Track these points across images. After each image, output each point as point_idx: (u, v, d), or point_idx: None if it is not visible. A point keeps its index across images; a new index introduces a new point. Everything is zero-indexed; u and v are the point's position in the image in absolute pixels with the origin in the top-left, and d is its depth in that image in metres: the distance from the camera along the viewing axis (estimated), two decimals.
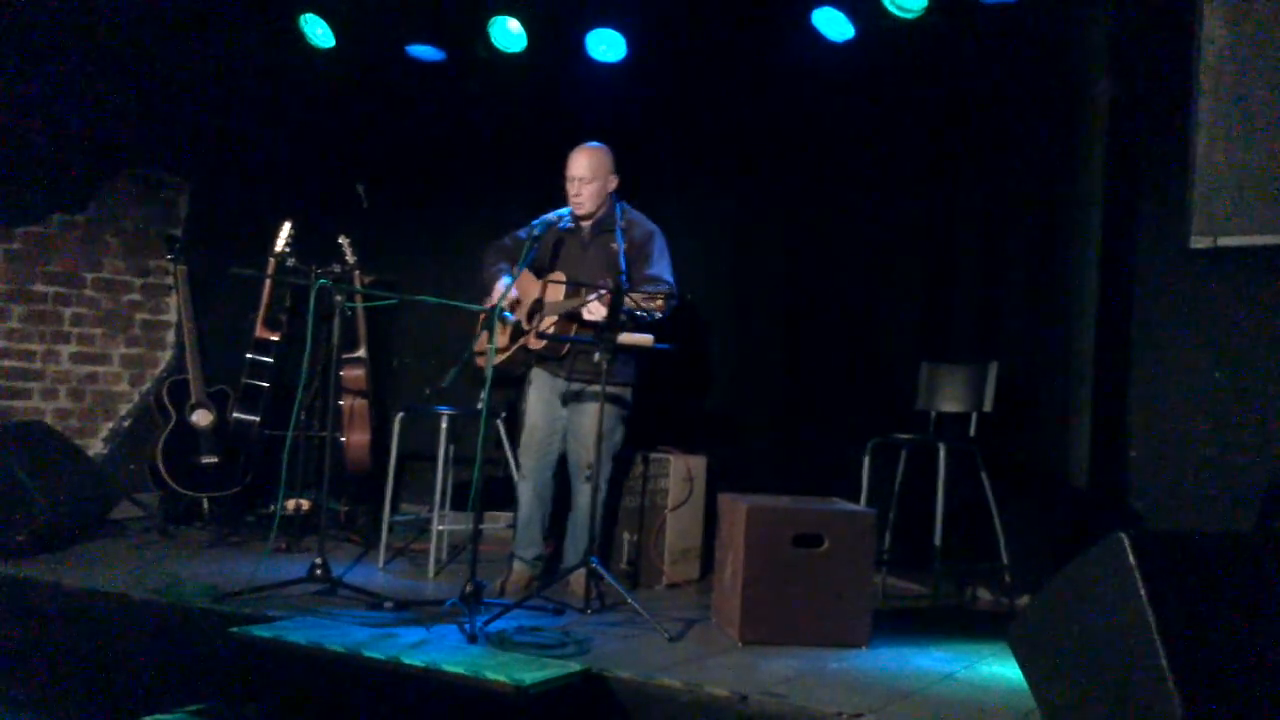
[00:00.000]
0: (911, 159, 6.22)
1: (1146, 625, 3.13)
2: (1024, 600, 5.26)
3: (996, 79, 5.89)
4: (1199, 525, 5.18)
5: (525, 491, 5.59)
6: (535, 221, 5.68)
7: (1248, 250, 3.40)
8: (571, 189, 5.46)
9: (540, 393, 5.58)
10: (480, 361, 5.62)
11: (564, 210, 5.54)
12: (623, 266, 5.27)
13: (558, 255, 5.58)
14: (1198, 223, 3.45)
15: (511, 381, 5.80)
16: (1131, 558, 3.20)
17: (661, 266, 5.42)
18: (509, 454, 5.93)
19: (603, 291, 5.03)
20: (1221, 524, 5.15)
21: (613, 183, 5.50)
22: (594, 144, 5.51)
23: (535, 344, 5.45)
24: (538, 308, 5.50)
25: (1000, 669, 4.31)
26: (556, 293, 5.41)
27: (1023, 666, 3.65)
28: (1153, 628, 3.12)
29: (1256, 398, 5.17)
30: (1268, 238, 3.33)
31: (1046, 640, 3.55)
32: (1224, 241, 3.40)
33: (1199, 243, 3.45)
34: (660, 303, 4.85)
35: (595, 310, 5.13)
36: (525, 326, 5.54)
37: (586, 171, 5.43)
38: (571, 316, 5.35)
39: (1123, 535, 3.25)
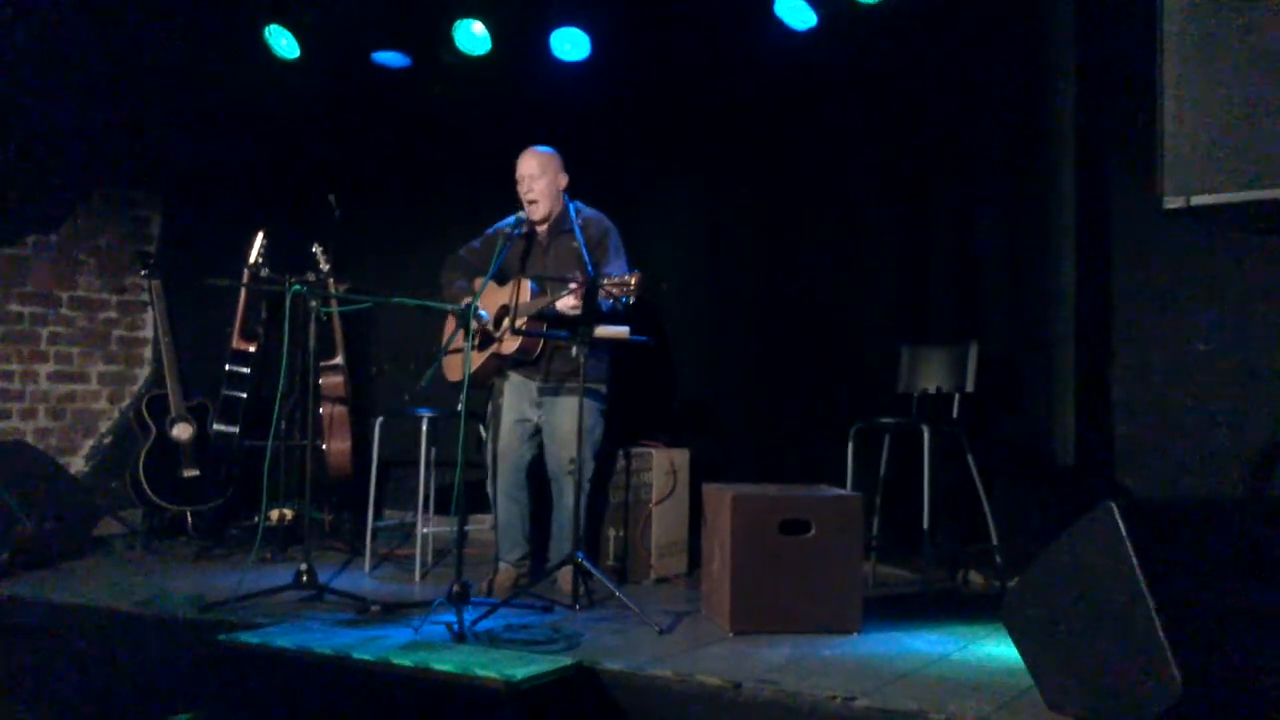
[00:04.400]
0: (881, 142, 6.21)
1: (1140, 594, 3.12)
2: (1016, 581, 5.25)
3: (964, 56, 5.90)
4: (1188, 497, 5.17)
5: (499, 497, 5.58)
6: (489, 230, 5.68)
7: (1221, 208, 3.37)
8: (523, 188, 5.47)
9: (510, 399, 5.55)
10: (451, 373, 5.59)
11: (515, 216, 5.53)
12: (588, 261, 5.25)
13: (520, 262, 5.55)
14: (1169, 183, 3.42)
15: (489, 387, 5.77)
16: (1122, 526, 3.19)
17: (618, 264, 5.41)
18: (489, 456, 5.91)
19: (573, 285, 5.01)
20: (1210, 496, 5.13)
21: (562, 180, 5.50)
22: (540, 146, 5.54)
23: (509, 348, 5.41)
24: (505, 313, 5.46)
25: (995, 649, 4.29)
26: (525, 295, 5.38)
27: (1017, 643, 3.64)
28: (1146, 596, 3.11)
29: (1242, 365, 5.16)
30: (1240, 194, 3.31)
31: (1040, 614, 3.53)
32: (1197, 200, 3.37)
33: (1172, 203, 3.41)
34: (634, 286, 4.82)
35: (569, 303, 5.11)
36: (495, 334, 5.50)
37: (536, 168, 5.45)
38: (542, 317, 5.33)
39: (1112, 504, 3.24)
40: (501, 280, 5.52)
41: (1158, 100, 3.49)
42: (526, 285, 5.36)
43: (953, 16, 5.84)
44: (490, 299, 5.54)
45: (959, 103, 5.96)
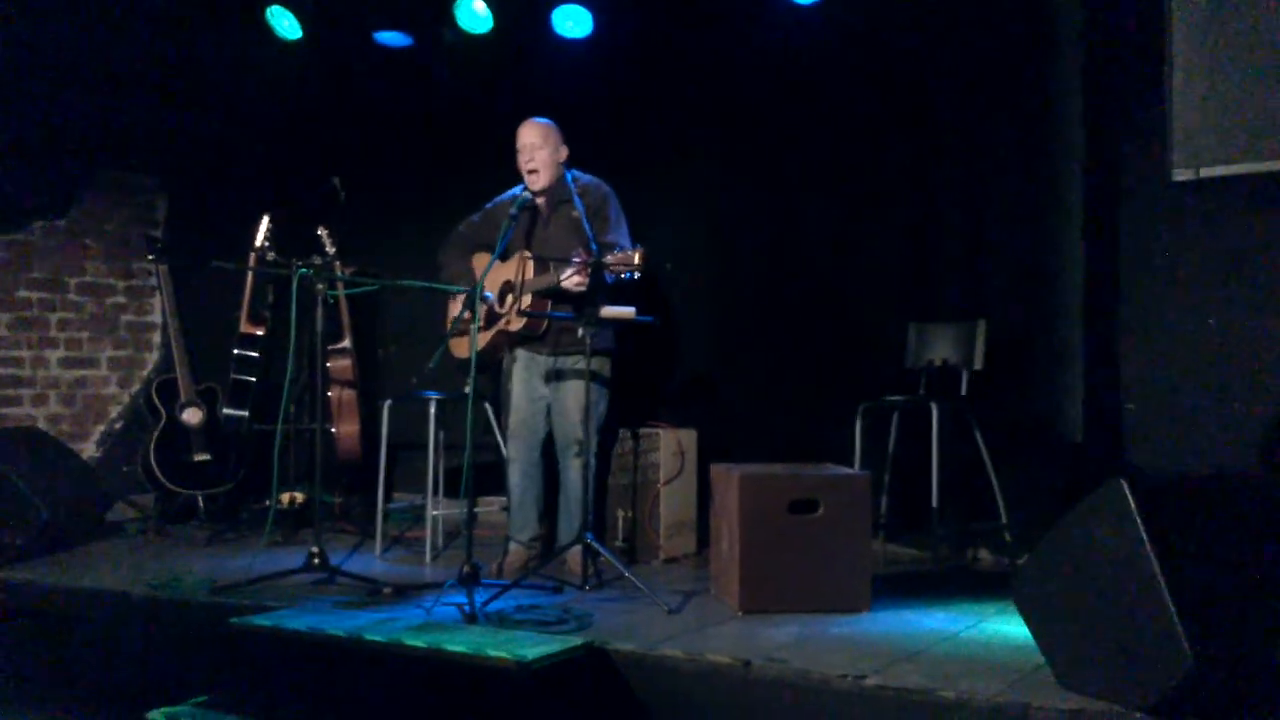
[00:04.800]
0: (886, 116, 6.18)
1: (1150, 569, 3.12)
2: (1025, 559, 5.24)
3: (970, 29, 5.86)
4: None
5: (514, 474, 5.60)
6: (489, 204, 5.68)
7: (1231, 180, 3.36)
8: (524, 157, 5.47)
9: (521, 374, 5.56)
10: (457, 350, 5.60)
11: (516, 190, 5.55)
12: (589, 233, 5.25)
13: (524, 237, 5.56)
14: (1179, 155, 3.42)
15: (495, 365, 5.78)
16: (1131, 501, 3.19)
17: (619, 231, 5.42)
18: (498, 437, 5.92)
19: (576, 262, 5.01)
20: (1221, 471, 5.12)
21: (563, 153, 5.51)
22: (540, 118, 5.54)
23: (515, 325, 5.42)
24: (509, 289, 5.47)
25: (1005, 627, 4.29)
26: (528, 271, 5.38)
27: (1028, 620, 3.64)
28: (1156, 571, 3.11)
29: (1251, 339, 5.13)
30: (1250, 165, 3.29)
31: (1050, 591, 3.53)
32: (1206, 172, 3.36)
33: (1181, 175, 3.41)
34: (637, 261, 4.82)
35: (575, 280, 5.11)
36: (500, 311, 5.51)
37: (538, 138, 5.45)
38: (547, 293, 5.33)
39: (1121, 480, 3.24)
40: (505, 255, 5.53)
41: (1166, 72, 3.48)
42: (530, 262, 5.37)
43: None
44: (495, 275, 5.54)
45: (965, 76, 5.92)
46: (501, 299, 5.52)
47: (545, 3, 6.56)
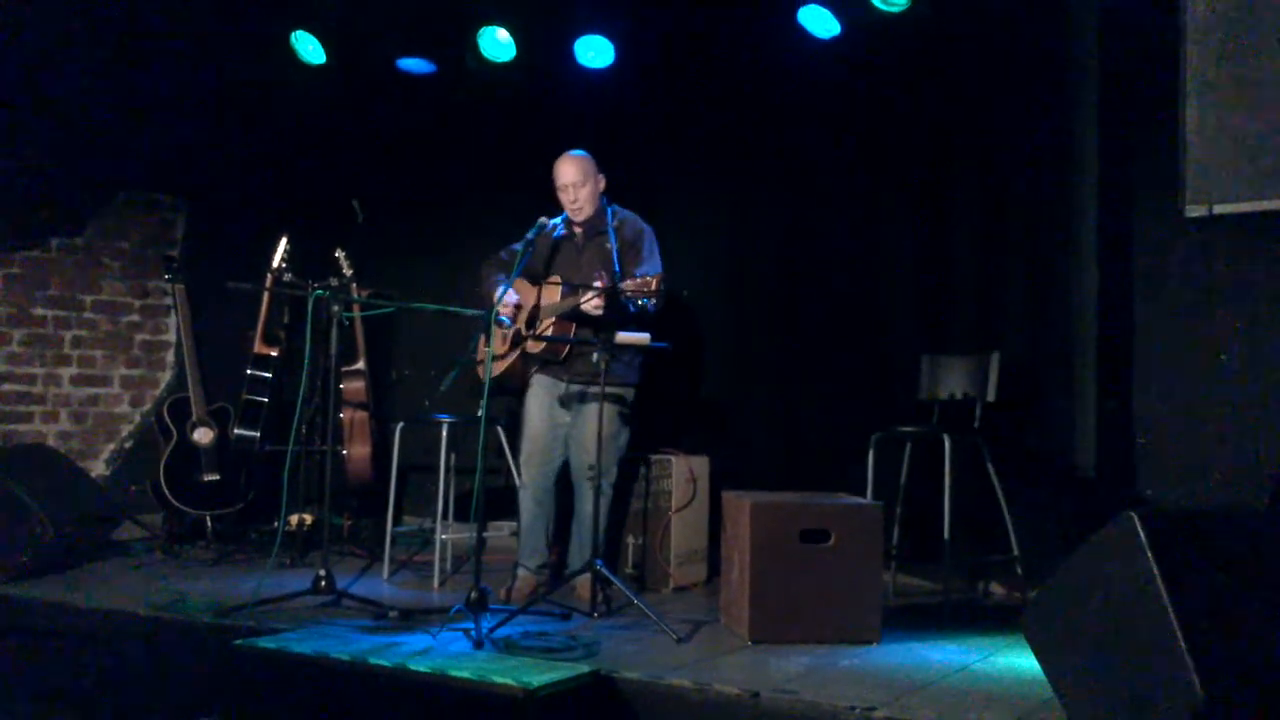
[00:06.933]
0: (903, 149, 6.20)
1: (1161, 604, 3.10)
2: (1036, 592, 5.21)
3: (986, 64, 5.88)
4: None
5: (525, 500, 5.57)
6: (530, 234, 5.69)
7: (1244, 217, 3.35)
8: (568, 197, 5.47)
9: (540, 399, 5.55)
10: (482, 373, 5.60)
11: (558, 219, 5.55)
12: (616, 263, 5.25)
13: (553, 261, 5.57)
14: (1192, 191, 3.42)
15: (512, 390, 5.76)
16: (1143, 536, 3.17)
17: (652, 264, 5.42)
18: (510, 462, 5.91)
19: (594, 286, 5.01)
20: (1233, 506, 5.09)
21: (601, 182, 5.53)
22: (575, 151, 5.54)
23: (534, 347, 5.43)
24: (535, 313, 5.48)
25: (1016, 660, 4.27)
26: (552, 296, 5.39)
27: (1037, 654, 3.62)
28: (1168, 606, 3.08)
29: (1265, 375, 5.11)
30: (1262, 203, 3.28)
31: (1060, 626, 3.51)
32: (1219, 209, 3.36)
33: (1194, 211, 3.41)
34: (654, 287, 4.82)
35: (595, 304, 5.12)
36: (525, 333, 5.52)
37: (578, 176, 5.45)
38: (569, 317, 5.33)
39: (1133, 514, 3.22)
40: (534, 280, 5.54)
41: (1180, 108, 3.48)
42: (554, 286, 5.38)
43: (975, 25, 5.82)
44: (524, 297, 5.58)
45: (981, 111, 5.94)
46: (529, 323, 5.53)
47: (567, 33, 6.61)
